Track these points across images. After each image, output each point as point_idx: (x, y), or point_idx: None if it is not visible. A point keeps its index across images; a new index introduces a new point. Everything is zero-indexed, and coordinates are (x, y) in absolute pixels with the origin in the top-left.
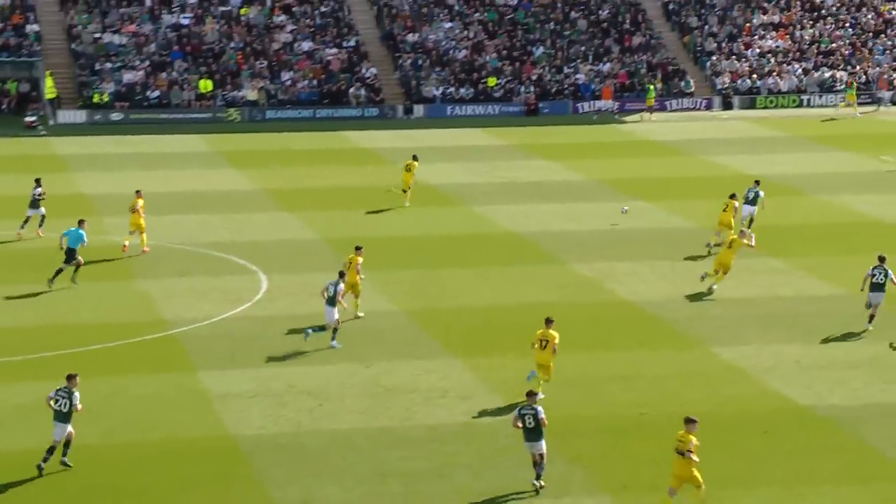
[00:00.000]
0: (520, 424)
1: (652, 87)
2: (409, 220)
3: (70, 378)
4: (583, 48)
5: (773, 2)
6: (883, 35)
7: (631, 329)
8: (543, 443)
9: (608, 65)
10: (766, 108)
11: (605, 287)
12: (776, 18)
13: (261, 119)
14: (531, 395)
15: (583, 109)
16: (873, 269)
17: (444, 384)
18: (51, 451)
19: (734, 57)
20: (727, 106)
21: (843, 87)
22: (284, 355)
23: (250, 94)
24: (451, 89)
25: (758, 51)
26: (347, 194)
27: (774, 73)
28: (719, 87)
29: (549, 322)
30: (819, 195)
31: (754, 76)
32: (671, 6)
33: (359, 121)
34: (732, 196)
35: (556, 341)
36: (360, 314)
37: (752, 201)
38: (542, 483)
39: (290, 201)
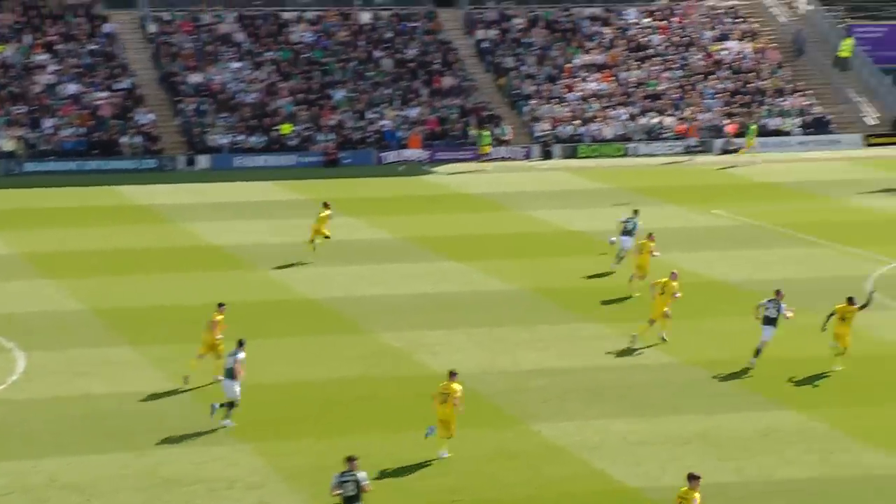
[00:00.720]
0: (339, 492)
1: (487, 132)
2: (191, 288)
3: None
4: (388, 91)
5: (595, 40)
6: (713, 77)
7: None
8: None
9: (416, 109)
10: (588, 157)
11: (414, 359)
12: (599, 59)
13: (18, 173)
14: (351, 460)
15: (388, 159)
16: (767, 300)
17: (230, 473)
18: None
19: (554, 101)
20: (547, 155)
21: (728, 131)
22: (46, 444)
23: (6, 143)
24: (240, 137)
25: (580, 94)
26: (120, 258)
27: (598, 119)
28: (538, 134)
29: (452, 375)
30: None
31: (576, 122)
32: (484, 45)
33: (133, 174)
34: (650, 236)
35: (459, 395)
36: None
37: (630, 232)
38: None
39: (52, 267)
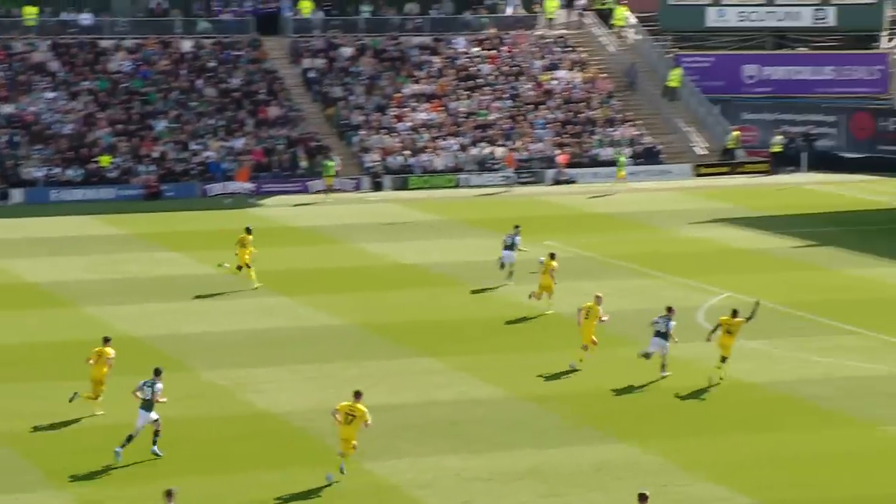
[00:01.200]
0: None
1: (332, 163)
2: (7, 327)
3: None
4: (212, 121)
5: (424, 69)
6: (543, 106)
7: (272, 446)
8: None
9: (242, 140)
10: (419, 188)
11: (239, 398)
12: (429, 88)
13: None
14: (169, 494)
15: (214, 192)
16: (659, 317)
17: None
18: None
19: (384, 131)
20: (377, 186)
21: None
22: None
23: None
24: (57, 170)
25: (409, 124)
26: None
27: (428, 150)
28: (368, 165)
29: (357, 395)
30: (477, 284)
31: (406, 152)
32: (311, 74)
33: None
34: (552, 255)
35: (367, 418)
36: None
37: (511, 247)
38: None
39: None
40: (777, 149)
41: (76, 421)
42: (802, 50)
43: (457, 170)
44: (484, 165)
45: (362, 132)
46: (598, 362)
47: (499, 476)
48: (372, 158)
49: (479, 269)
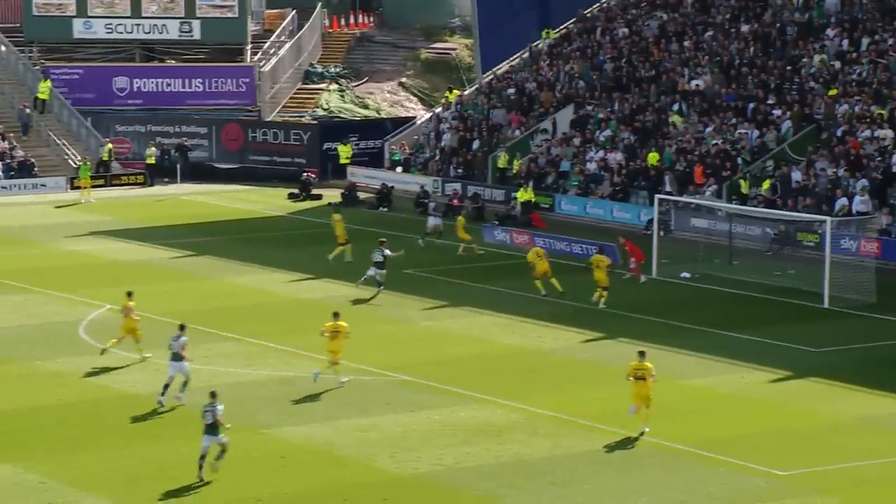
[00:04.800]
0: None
1: None
2: None
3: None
4: None
5: None
6: None
7: None
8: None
9: None
10: None
11: None
12: None
13: None
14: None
15: None
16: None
17: None
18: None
19: None
20: None
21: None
22: None
23: None
24: None
25: None
26: None
27: None
28: None
29: (336, 315)
30: None
31: None
32: None
33: None
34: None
35: (347, 330)
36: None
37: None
38: None
39: None
40: (152, 160)
41: None
42: (172, 62)
43: None
44: None
45: None
46: None
47: None
48: None
49: None
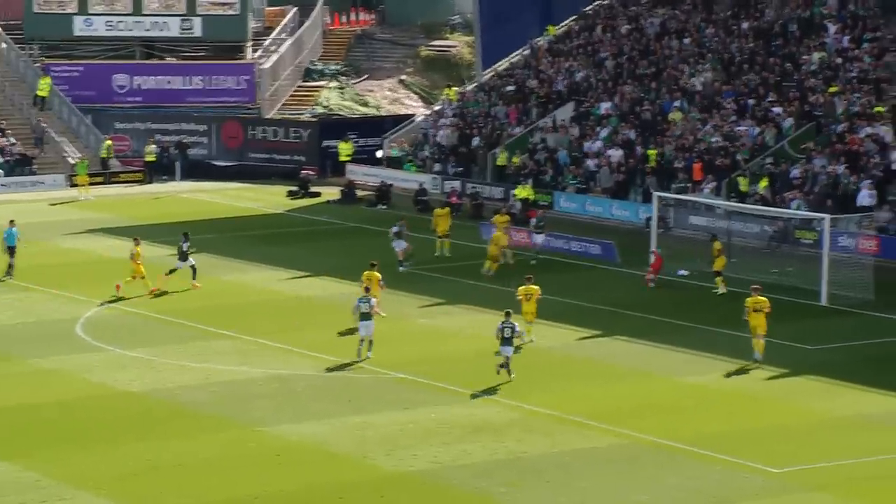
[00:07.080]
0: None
1: None
2: None
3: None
4: None
5: None
6: None
7: None
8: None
9: None
10: None
11: None
12: None
13: None
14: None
15: None
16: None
17: None
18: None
19: None
20: None
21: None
22: None
23: None
24: None
25: None
26: None
27: None
28: None
29: (529, 279)
30: None
31: None
32: None
33: None
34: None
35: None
36: None
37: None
38: None
39: None
40: (151, 158)
41: None
42: (172, 60)
43: None
44: None
45: None
46: None
47: None
48: None
49: None
